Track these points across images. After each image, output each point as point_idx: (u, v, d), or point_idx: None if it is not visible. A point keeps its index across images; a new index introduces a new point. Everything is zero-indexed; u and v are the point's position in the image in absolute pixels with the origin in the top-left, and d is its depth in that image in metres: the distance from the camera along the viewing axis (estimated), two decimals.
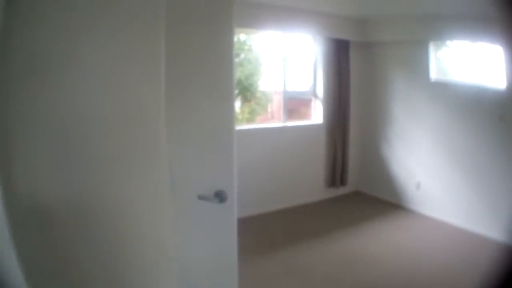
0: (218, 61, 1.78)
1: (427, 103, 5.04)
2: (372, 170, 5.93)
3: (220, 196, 1.81)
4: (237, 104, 8.12)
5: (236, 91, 8.08)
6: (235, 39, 8.10)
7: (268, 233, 4.58)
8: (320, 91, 5.59)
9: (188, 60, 1.71)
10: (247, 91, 7.97)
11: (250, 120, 8.22)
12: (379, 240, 4.40)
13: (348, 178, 5.83)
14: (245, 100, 8.37)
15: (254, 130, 5.16)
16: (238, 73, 7.89)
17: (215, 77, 1.79)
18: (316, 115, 5.69)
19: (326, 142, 5.66)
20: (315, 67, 5.62)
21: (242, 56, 8.07)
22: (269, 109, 7.30)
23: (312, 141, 5.57)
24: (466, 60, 4.78)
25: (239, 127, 5.18)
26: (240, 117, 7.53)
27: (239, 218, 2.00)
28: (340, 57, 5.46)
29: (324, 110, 5.59)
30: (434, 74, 4.97)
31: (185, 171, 1.74)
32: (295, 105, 6.89)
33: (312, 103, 5.71)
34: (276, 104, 6.42)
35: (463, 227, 4.62)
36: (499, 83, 4.28)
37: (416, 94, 5.16)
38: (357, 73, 5.79)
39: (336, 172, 5.67)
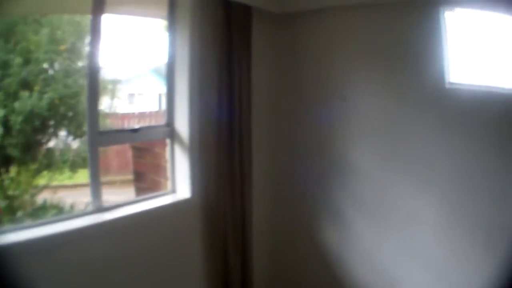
0: None
1: (439, 133, 2.32)
2: (305, 273, 2.85)
3: None
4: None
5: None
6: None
7: None
8: (184, 123, 2.38)
9: None
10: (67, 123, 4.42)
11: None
12: None
13: None
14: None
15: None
16: (49, 93, 4.37)
17: None
18: (178, 179, 2.44)
19: (204, 241, 2.44)
20: (171, 73, 2.42)
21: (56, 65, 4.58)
22: None
23: (169, 244, 2.29)
24: None
25: None
26: None
27: None
28: (230, 46, 2.37)
29: (194, 167, 2.38)
30: (452, 73, 2.17)
31: None
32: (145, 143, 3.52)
33: (168, 152, 2.47)
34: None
35: None
36: None
37: (413, 116, 2.36)
38: (270, 81, 2.75)
39: None
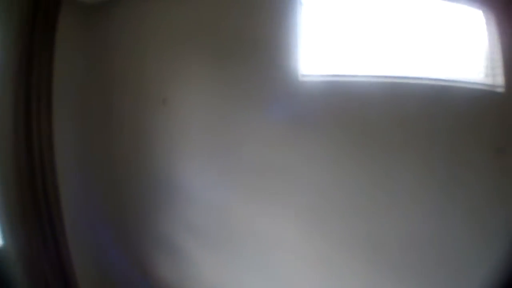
0: None
1: (293, 136, 1.87)
2: None
3: None
4: None
5: None
6: None
7: None
8: None
9: None
10: None
11: None
12: None
13: None
14: None
15: None
16: None
17: None
18: None
19: None
20: None
21: None
22: None
23: None
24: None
25: None
26: None
27: None
28: (31, 55, 1.84)
29: None
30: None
31: None
32: None
33: None
34: None
35: None
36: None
37: (258, 119, 1.87)
38: (77, 85, 2.24)
39: None
